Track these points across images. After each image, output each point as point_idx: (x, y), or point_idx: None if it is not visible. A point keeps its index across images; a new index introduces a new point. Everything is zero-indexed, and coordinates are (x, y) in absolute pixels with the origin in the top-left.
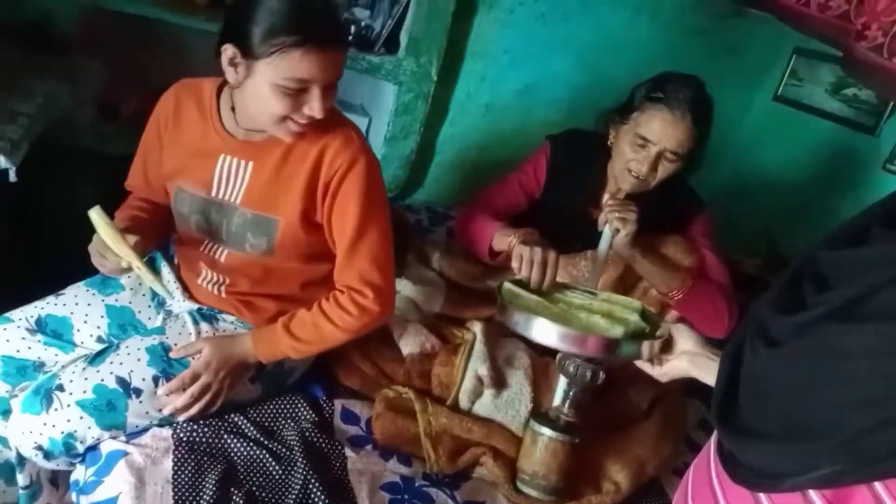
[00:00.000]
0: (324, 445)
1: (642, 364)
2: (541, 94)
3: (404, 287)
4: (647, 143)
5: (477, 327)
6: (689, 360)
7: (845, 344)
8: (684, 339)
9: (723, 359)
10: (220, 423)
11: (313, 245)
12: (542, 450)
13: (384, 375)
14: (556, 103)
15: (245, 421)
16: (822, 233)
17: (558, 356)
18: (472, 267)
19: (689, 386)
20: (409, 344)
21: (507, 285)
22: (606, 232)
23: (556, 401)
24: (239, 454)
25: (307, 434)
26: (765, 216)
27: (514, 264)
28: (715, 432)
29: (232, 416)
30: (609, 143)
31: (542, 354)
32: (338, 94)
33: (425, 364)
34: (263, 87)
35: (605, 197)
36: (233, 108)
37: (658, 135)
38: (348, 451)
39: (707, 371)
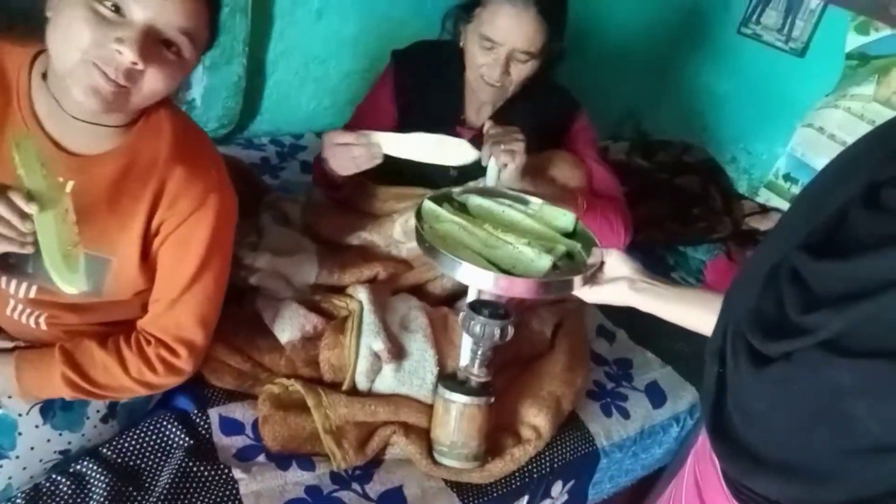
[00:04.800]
0: (206, 475)
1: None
2: None
3: (266, 260)
4: (494, 45)
5: (362, 294)
6: (629, 286)
7: (838, 380)
8: (619, 264)
9: (709, 356)
10: (59, 481)
11: (152, 280)
12: (456, 417)
13: (263, 368)
14: None
15: (97, 468)
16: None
17: (461, 315)
18: (345, 217)
19: None
20: (286, 329)
21: (429, 205)
22: (492, 167)
23: (464, 360)
24: None
25: (183, 466)
26: (626, 97)
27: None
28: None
29: (78, 465)
30: (461, 45)
31: (437, 304)
32: None
33: (310, 349)
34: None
35: (486, 125)
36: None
37: (503, 33)
38: (237, 473)
39: (651, 297)
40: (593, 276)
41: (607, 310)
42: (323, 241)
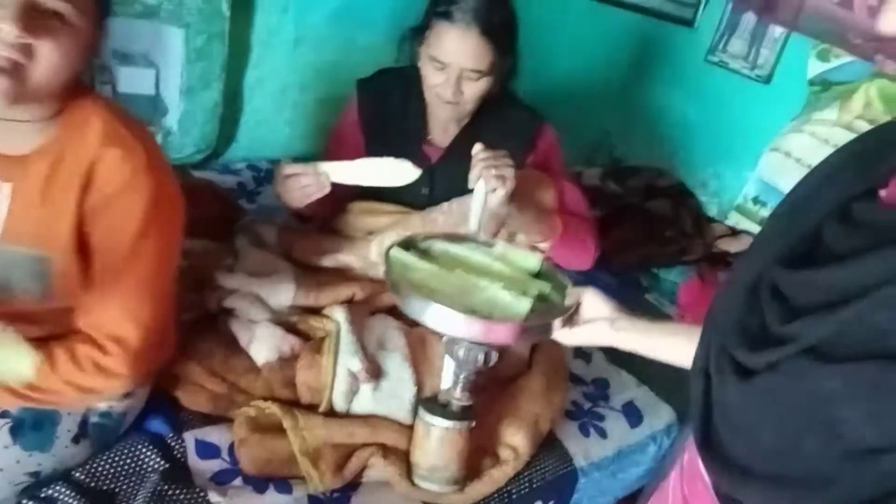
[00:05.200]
0: (182, 498)
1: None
2: (355, 17)
3: (242, 282)
4: (443, 65)
5: (339, 314)
6: (609, 325)
7: (824, 386)
8: (597, 304)
9: (694, 374)
10: None
11: None
12: (437, 441)
13: (239, 391)
14: (374, 26)
15: (69, 493)
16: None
17: (445, 339)
18: (320, 240)
19: None
20: (263, 350)
21: (396, 254)
22: (479, 190)
23: (446, 384)
24: None
25: (158, 490)
26: (599, 123)
27: None
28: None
29: (49, 490)
30: (420, 66)
31: (415, 325)
32: (113, 44)
33: (286, 370)
34: None
35: (476, 148)
36: None
37: (450, 54)
38: (214, 497)
39: (634, 335)
40: (571, 317)
41: None
42: (298, 263)
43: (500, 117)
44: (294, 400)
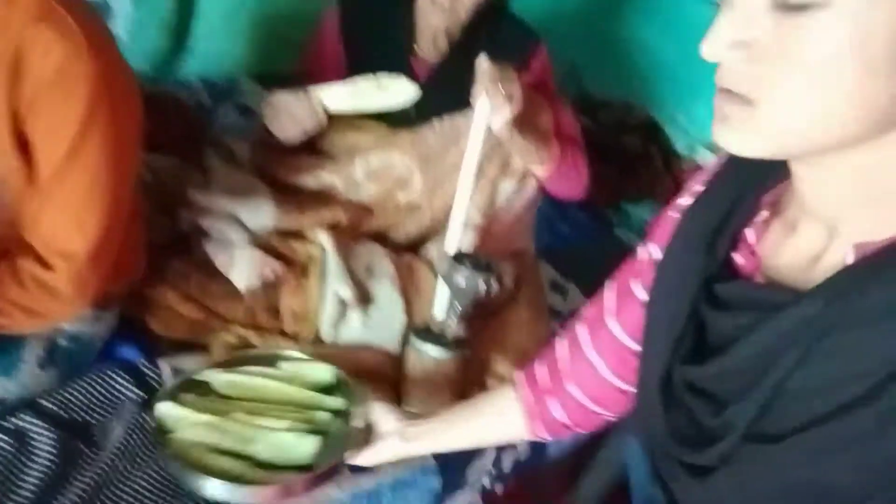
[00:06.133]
0: None
1: None
2: None
3: (217, 201)
4: None
5: (323, 238)
6: (400, 438)
7: (781, 465)
8: (385, 418)
9: (650, 486)
10: None
11: None
12: (430, 371)
13: (216, 316)
14: None
15: (39, 423)
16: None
17: (445, 267)
18: (300, 157)
19: (539, 249)
20: (244, 274)
21: (164, 409)
22: (482, 107)
23: (440, 314)
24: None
25: (136, 419)
26: (570, 54)
27: None
28: None
29: (18, 420)
30: None
31: (401, 253)
32: None
33: (271, 296)
34: None
35: (481, 60)
36: None
37: None
38: None
39: (426, 438)
40: (366, 439)
41: (556, 264)
42: (275, 182)
43: (493, 32)
44: (277, 327)
